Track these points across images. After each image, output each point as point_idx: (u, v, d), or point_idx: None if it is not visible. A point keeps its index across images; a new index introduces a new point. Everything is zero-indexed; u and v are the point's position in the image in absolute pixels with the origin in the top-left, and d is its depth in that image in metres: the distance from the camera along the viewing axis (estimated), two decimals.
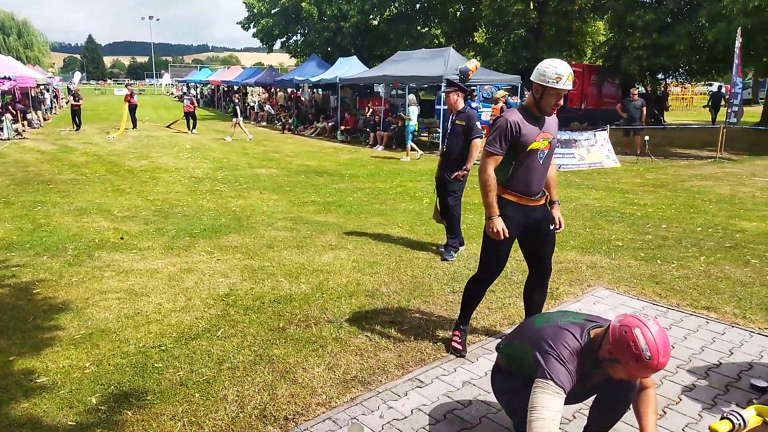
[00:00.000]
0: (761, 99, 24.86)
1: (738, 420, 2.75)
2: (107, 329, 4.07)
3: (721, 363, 3.62)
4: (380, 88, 22.66)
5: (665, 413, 3.03)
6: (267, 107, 27.71)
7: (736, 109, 14.46)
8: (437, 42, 29.77)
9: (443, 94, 6.06)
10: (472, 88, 19.92)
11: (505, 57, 23.58)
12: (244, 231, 6.94)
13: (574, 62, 24.76)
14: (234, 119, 19.00)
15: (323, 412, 3.05)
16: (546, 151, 3.43)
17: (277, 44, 37.82)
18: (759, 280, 5.15)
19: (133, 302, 4.59)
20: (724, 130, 14.43)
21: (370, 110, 19.01)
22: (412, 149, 14.73)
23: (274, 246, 6.25)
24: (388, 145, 16.99)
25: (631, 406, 2.42)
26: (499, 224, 3.39)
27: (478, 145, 5.74)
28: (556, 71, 3.19)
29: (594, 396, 2.50)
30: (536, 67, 3.31)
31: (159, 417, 3.00)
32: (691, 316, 4.38)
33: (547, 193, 3.62)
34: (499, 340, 3.13)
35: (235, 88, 33.21)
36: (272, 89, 30.03)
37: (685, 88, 37.84)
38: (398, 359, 3.65)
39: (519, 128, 3.31)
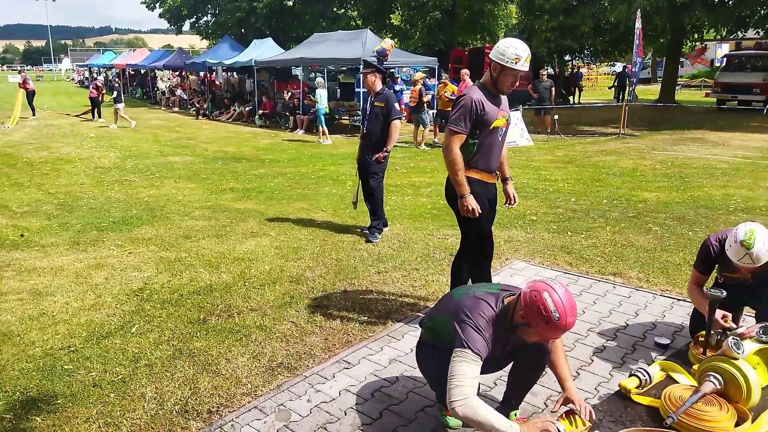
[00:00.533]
0: (659, 78, 26.70)
1: (644, 376, 2.97)
2: (9, 333, 3.76)
3: (628, 324, 3.87)
4: (298, 71, 22.22)
5: (579, 374, 3.21)
6: (179, 92, 26.46)
7: (633, 87, 15.44)
8: (354, 24, 29.59)
9: (362, 76, 6.03)
10: (391, 70, 20.00)
11: (421, 39, 23.85)
12: (158, 222, 6.62)
13: (488, 45, 25.43)
14: (116, 105, 17.63)
15: (249, 402, 2.98)
16: (504, 129, 3.52)
17: (187, 25, 36.14)
18: (660, 246, 5.55)
19: (37, 302, 4.27)
20: (626, 108, 15.37)
21: (289, 93, 18.62)
22: (324, 132, 14.61)
23: (192, 236, 6.01)
24: (309, 129, 16.76)
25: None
26: (473, 202, 3.41)
27: (398, 126, 5.77)
28: (515, 52, 3.24)
29: (512, 362, 2.59)
30: (497, 44, 3.34)
31: (71, 420, 2.82)
32: (600, 282, 4.66)
33: (498, 172, 3.72)
34: (423, 316, 3.18)
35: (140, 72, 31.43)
36: (183, 73, 28.67)
37: (590, 69, 39.94)
38: (325, 343, 3.63)
39: (482, 106, 3.35)
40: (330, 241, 5.82)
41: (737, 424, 2.59)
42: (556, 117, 14.94)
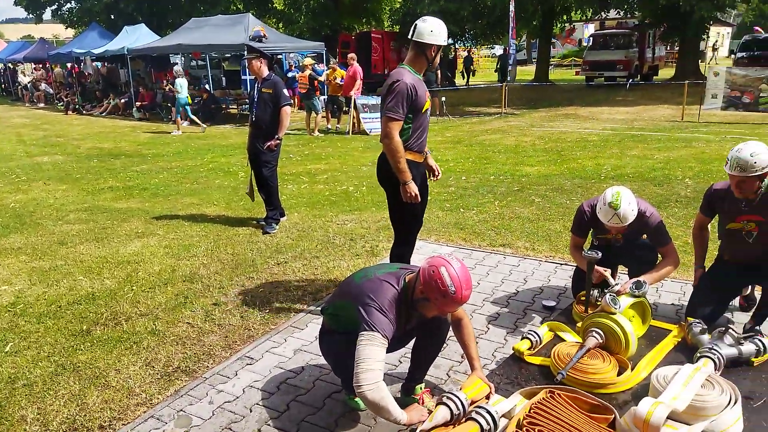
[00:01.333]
0: (534, 59, 28.43)
1: (535, 337, 3.16)
2: None
3: (518, 291, 4.10)
4: (177, 59, 21.04)
5: (477, 343, 3.34)
6: (43, 86, 24.09)
7: (511, 68, 16.31)
8: (234, 8, 28.38)
9: (246, 62, 5.81)
10: (279, 56, 19.53)
11: (307, 23, 23.45)
12: (28, 229, 6.01)
13: (373, 29, 25.62)
14: None
15: (144, 412, 2.80)
16: (429, 109, 3.57)
17: (48, 13, 32.84)
18: (542, 216, 5.92)
19: None
20: (506, 88, 16.20)
21: (169, 84, 17.61)
22: (193, 122, 14.05)
23: (67, 242, 5.51)
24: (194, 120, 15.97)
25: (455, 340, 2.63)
26: (414, 188, 3.40)
27: (288, 112, 5.64)
28: (430, 27, 3.29)
29: (414, 338, 2.65)
30: (427, 26, 3.34)
31: None
32: (491, 254, 4.89)
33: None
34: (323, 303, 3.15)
35: None
36: (47, 65, 26.10)
37: (472, 53, 41.57)
38: (225, 341, 3.49)
39: (415, 90, 3.33)
40: (224, 236, 5.60)
41: (619, 374, 2.83)
42: (443, 99, 15.40)
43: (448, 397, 2.34)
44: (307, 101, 13.13)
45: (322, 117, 13.68)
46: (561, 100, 18.36)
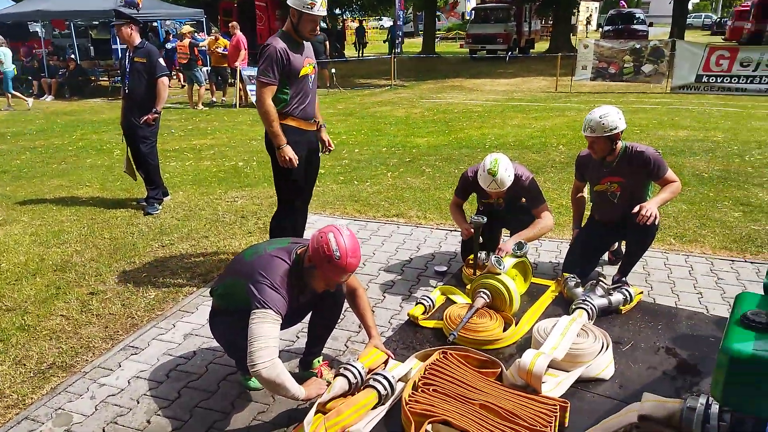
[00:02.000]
0: (420, 31, 28.87)
1: (428, 302, 3.25)
2: None
3: (412, 259, 4.20)
4: (38, 28, 18.89)
5: (373, 312, 3.38)
6: None
7: (400, 40, 16.45)
8: None
9: (115, 29, 5.32)
10: (154, 24, 18.18)
11: None
12: None
13: None
14: None
15: (16, 414, 2.55)
16: (313, 76, 3.51)
17: None
18: (433, 186, 6.09)
19: None
20: (395, 60, 16.34)
21: (29, 54, 15.80)
22: (14, 97, 12.82)
23: None
24: (60, 94, 14.54)
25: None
26: (290, 152, 3.39)
27: (166, 83, 5.28)
28: None
29: (310, 312, 2.62)
30: None
31: None
32: (386, 224, 4.96)
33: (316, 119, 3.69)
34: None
35: None
36: None
37: (359, 23, 41.36)
38: (105, 331, 3.25)
39: (287, 55, 3.29)
40: (100, 219, 5.18)
41: (505, 330, 3.00)
42: (333, 71, 15.22)
43: (345, 368, 2.35)
44: (188, 72, 12.38)
45: (206, 89, 12.99)
46: (447, 73, 18.87)
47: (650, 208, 3.19)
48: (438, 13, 32.00)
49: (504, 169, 3.38)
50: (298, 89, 3.43)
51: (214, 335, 2.61)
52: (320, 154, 3.82)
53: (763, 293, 1.68)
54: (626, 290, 3.22)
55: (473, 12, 25.99)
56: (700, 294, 3.52)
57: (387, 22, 38.86)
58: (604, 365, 2.61)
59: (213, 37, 13.08)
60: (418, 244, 4.47)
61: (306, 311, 2.60)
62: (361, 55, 25.48)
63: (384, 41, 29.72)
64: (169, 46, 14.79)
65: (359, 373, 2.35)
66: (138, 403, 2.60)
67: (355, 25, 29.14)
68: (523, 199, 3.71)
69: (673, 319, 3.12)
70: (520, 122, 9.82)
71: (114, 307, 3.52)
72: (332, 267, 2.23)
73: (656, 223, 3.29)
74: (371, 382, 2.32)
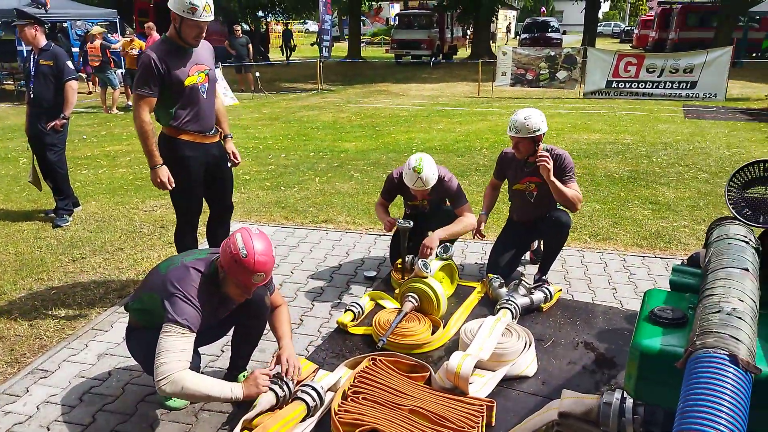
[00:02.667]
0: (346, 36, 28.89)
1: (357, 308, 3.24)
2: None
3: (341, 265, 4.17)
4: None
5: (302, 321, 3.34)
6: None
7: (327, 44, 16.41)
8: None
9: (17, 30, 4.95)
10: (64, 24, 17.12)
11: None
12: None
13: None
14: None
15: None
16: (206, 84, 3.22)
17: None
18: (361, 190, 6.09)
19: None
20: (322, 64, 16.25)
21: None
22: None
23: None
24: None
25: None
26: (164, 174, 3.13)
27: (75, 87, 4.97)
28: (190, 1, 2.93)
29: (233, 325, 2.54)
30: None
31: None
32: (314, 230, 4.90)
33: (220, 129, 3.45)
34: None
35: None
36: None
37: (285, 26, 40.88)
38: (10, 354, 3.00)
39: (165, 65, 3.01)
40: (4, 233, 4.79)
41: (433, 333, 3.04)
42: (257, 74, 14.94)
43: (272, 381, 2.28)
44: (100, 75, 11.75)
45: (121, 92, 12.37)
46: (374, 77, 19.00)
47: (546, 161, 3.32)
48: (363, 18, 32.17)
49: (428, 167, 3.43)
50: (186, 101, 3.14)
51: (131, 353, 2.46)
52: (232, 165, 3.59)
53: (669, 289, 1.79)
54: (546, 288, 3.35)
55: (397, 18, 26.33)
56: (614, 289, 3.72)
57: (312, 25, 38.62)
58: (527, 363, 2.69)
59: (128, 39, 12.49)
60: (348, 250, 4.45)
61: (229, 325, 2.51)
62: (288, 58, 25.12)
63: (312, 44, 29.48)
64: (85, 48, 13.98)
65: (287, 385, 2.29)
66: (48, 430, 2.41)
67: (281, 28, 28.78)
68: (447, 202, 3.78)
69: (591, 315, 3.28)
70: (445, 126, 10.03)
71: (20, 328, 3.26)
72: (240, 267, 2.12)
73: (568, 224, 3.47)
74: (299, 393, 2.27)
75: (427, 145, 8.46)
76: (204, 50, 3.27)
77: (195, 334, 2.14)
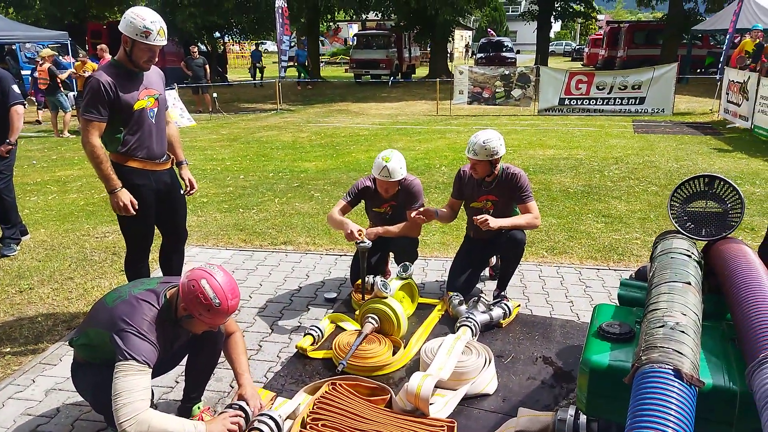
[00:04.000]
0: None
1: (317, 332, 3.19)
2: None
3: (301, 287, 4.12)
4: None
5: (261, 347, 3.27)
6: None
7: (285, 64, 16.41)
8: None
9: None
10: (12, 47, 16.64)
11: (45, 10, 20.37)
12: None
13: None
14: None
15: None
16: (156, 109, 3.16)
17: None
18: (321, 210, 6.05)
19: None
20: (280, 85, 16.22)
21: None
22: None
23: None
24: None
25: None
26: (125, 197, 3.04)
27: (21, 112, 4.80)
28: (144, 24, 2.89)
29: (186, 356, 2.46)
30: (124, 15, 2.94)
31: None
32: (273, 252, 4.83)
33: (172, 156, 3.38)
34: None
35: None
36: None
37: (243, 47, 40.75)
38: None
39: (114, 88, 2.94)
40: None
41: (394, 353, 3.02)
42: (215, 95, 14.79)
43: (259, 420, 2.22)
44: (51, 98, 11.41)
45: (72, 115, 12.04)
46: (334, 97, 19.06)
47: (488, 218, 3.37)
48: (321, 38, 32.35)
49: (396, 160, 3.56)
50: (136, 126, 3.07)
51: (78, 390, 2.36)
52: (188, 193, 3.50)
53: (618, 303, 1.83)
54: (505, 304, 3.38)
55: (356, 38, 26.59)
56: (571, 302, 3.78)
57: (271, 46, 38.56)
58: (487, 380, 2.70)
59: (80, 61, 12.20)
60: (308, 272, 4.40)
61: (182, 355, 2.43)
62: (261, 79, 24.43)
63: (274, 62, 29.28)
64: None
65: (246, 413, 2.23)
66: None
67: (237, 47, 28.60)
68: (410, 212, 3.73)
69: (549, 329, 3.32)
70: (405, 145, 10.11)
71: None
72: (212, 314, 2.10)
73: (523, 240, 3.53)
74: (256, 423, 2.21)
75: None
76: (154, 74, 3.22)
77: (151, 370, 2.07)
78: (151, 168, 3.19)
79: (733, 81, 11.45)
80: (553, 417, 1.51)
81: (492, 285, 3.98)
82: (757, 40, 12.00)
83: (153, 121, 3.16)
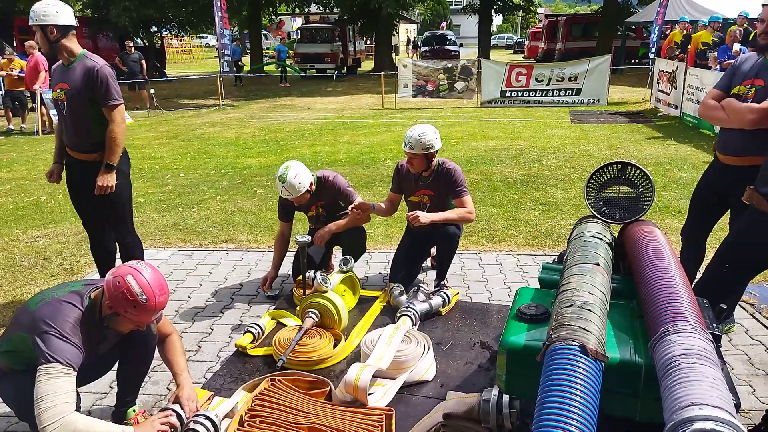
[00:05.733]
0: (248, 50, 28.36)
1: (257, 329, 3.17)
2: None
3: (242, 285, 4.07)
4: None
5: (200, 347, 3.22)
6: None
7: (227, 59, 16.07)
8: None
9: None
10: None
11: None
12: None
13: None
14: None
15: None
16: (65, 103, 3.25)
17: None
18: (264, 207, 5.99)
19: None
20: (221, 80, 15.86)
21: None
22: None
23: None
24: None
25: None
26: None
27: None
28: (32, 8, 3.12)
29: (118, 359, 2.40)
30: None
31: None
32: (214, 251, 4.75)
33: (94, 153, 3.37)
34: None
35: None
36: None
37: (182, 41, 39.53)
38: None
39: (51, 74, 3.22)
40: None
41: (335, 346, 3.03)
42: (152, 91, 14.32)
43: (194, 421, 2.18)
44: None
45: (1, 116, 11.40)
46: (278, 92, 18.81)
47: (419, 214, 3.45)
48: (264, 32, 31.79)
49: (294, 175, 3.51)
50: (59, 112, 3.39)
51: (3, 399, 2.26)
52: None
53: (539, 287, 1.91)
54: (444, 293, 3.45)
55: (299, 32, 26.30)
56: (509, 288, 3.90)
57: (212, 39, 37.61)
58: (426, 368, 2.76)
59: (7, 59, 11.56)
60: (249, 269, 4.35)
61: (113, 359, 2.37)
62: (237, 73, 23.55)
63: (216, 56, 28.55)
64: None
65: (179, 416, 2.19)
66: None
67: (176, 42, 27.71)
68: (348, 209, 3.75)
69: (486, 315, 3.42)
70: (350, 139, 10.10)
71: None
72: (141, 311, 2.06)
73: (456, 234, 3.63)
74: (191, 425, 2.18)
75: (332, 158, 8.48)
76: (79, 71, 3.21)
77: (76, 373, 2.01)
78: (70, 154, 3.45)
79: (663, 71, 12.01)
80: (479, 398, 1.56)
81: (434, 274, 4.05)
82: (685, 32, 12.62)
83: (64, 113, 3.31)
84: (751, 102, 2.68)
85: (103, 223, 3.56)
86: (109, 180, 3.29)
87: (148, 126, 12.17)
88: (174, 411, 2.18)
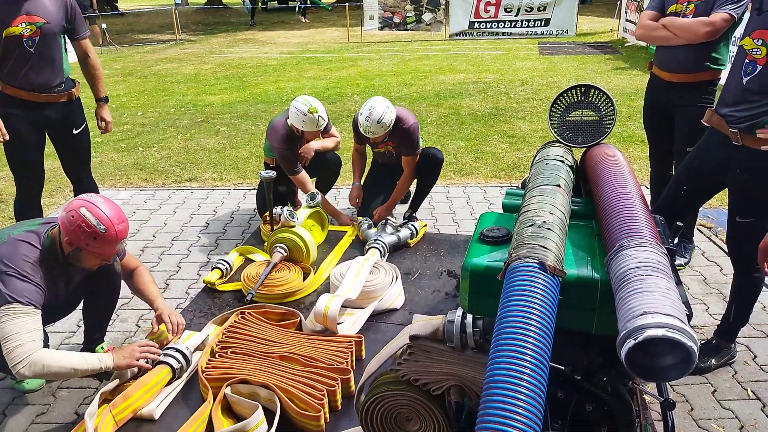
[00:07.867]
0: None
1: (225, 265, 3.16)
2: None
3: (209, 224, 4.03)
4: None
5: (168, 285, 3.21)
6: None
7: None
8: None
9: None
10: None
11: None
12: None
13: None
14: None
15: None
16: (37, 38, 2.89)
17: None
18: (228, 145, 5.85)
19: None
20: (177, 13, 15.08)
21: None
22: None
23: None
24: None
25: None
26: None
27: None
28: None
29: (83, 298, 2.37)
30: None
31: None
32: (177, 190, 4.65)
33: (74, 89, 3.20)
34: None
35: None
36: None
37: None
38: None
39: None
40: None
41: (304, 279, 3.05)
42: (104, 26, 13.55)
43: (165, 354, 2.18)
44: None
45: None
46: (239, 25, 18.02)
47: (381, 213, 3.63)
48: None
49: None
50: (8, 53, 2.89)
51: None
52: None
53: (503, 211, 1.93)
54: (412, 225, 3.48)
55: None
56: (476, 219, 3.94)
57: None
58: (395, 296, 2.81)
59: None
60: (215, 208, 4.30)
61: (79, 298, 2.34)
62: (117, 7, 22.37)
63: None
64: None
65: (182, 354, 2.21)
66: None
67: None
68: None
69: (453, 245, 3.47)
70: (315, 74, 9.83)
71: None
72: (101, 242, 2.00)
73: (441, 159, 3.66)
74: (162, 357, 2.19)
75: (297, 93, 8.20)
76: (49, 3, 2.93)
77: (40, 311, 1.98)
78: (29, 98, 2.98)
79: (630, 0, 11.87)
80: (444, 319, 1.60)
81: (403, 208, 4.07)
82: None
83: (32, 51, 2.92)
84: (691, 18, 2.71)
85: (42, 182, 3.31)
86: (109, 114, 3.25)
87: (102, 63, 11.53)
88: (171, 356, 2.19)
